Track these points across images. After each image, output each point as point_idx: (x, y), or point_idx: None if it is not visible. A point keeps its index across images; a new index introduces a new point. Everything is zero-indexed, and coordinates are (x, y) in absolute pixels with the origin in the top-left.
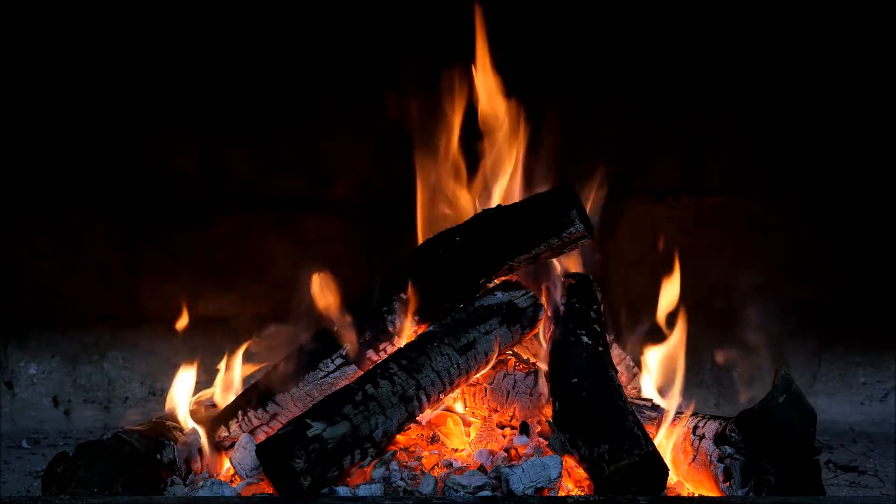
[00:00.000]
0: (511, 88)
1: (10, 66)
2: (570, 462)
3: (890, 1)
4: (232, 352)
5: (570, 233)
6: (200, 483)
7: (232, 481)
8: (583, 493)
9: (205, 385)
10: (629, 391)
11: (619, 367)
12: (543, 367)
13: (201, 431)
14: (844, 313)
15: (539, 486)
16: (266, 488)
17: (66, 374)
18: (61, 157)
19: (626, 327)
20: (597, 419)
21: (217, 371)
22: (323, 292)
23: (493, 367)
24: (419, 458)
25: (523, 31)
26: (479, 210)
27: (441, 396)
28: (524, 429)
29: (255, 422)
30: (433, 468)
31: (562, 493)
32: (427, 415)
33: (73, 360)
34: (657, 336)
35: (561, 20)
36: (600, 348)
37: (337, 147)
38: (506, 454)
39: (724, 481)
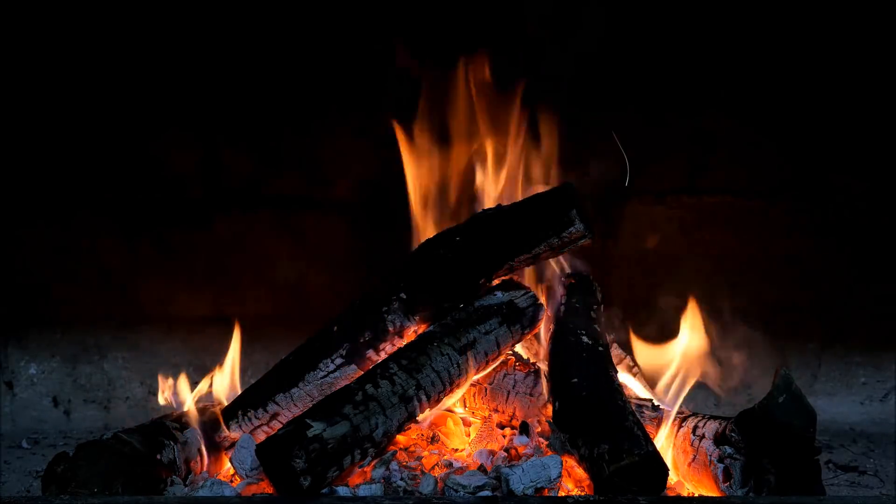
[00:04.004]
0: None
1: (10, 64)
2: (570, 462)
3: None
4: (232, 352)
5: (571, 233)
6: (200, 483)
7: (232, 481)
8: (583, 493)
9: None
10: (629, 391)
11: (619, 367)
12: (543, 367)
13: (201, 431)
14: (844, 313)
15: (539, 486)
16: (266, 488)
17: (66, 374)
18: (61, 156)
19: (626, 327)
20: (597, 419)
21: (217, 371)
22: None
23: (494, 367)
24: (419, 458)
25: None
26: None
27: (441, 396)
28: (524, 429)
29: (255, 422)
30: (433, 468)
31: (562, 493)
32: (427, 415)
33: (73, 360)
34: (657, 336)
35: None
36: (600, 348)
37: (337, 146)
38: (506, 454)
39: (724, 481)
